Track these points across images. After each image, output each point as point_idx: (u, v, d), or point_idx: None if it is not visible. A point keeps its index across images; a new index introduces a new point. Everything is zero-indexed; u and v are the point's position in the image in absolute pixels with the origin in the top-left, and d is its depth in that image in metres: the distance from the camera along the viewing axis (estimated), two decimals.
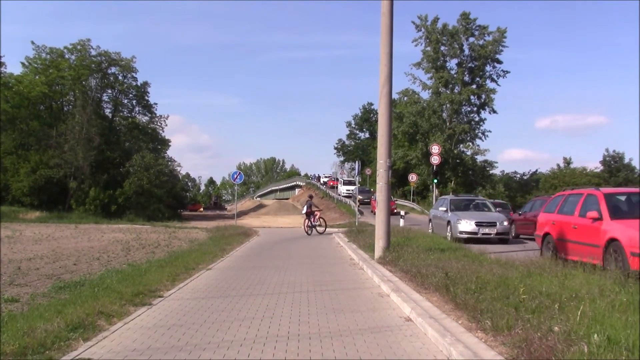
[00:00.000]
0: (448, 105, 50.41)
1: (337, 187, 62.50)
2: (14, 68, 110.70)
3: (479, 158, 52.14)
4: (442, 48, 50.73)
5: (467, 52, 50.65)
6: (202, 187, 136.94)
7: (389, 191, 12.89)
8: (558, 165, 62.18)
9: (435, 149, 45.50)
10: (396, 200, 45.58)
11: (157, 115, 61.49)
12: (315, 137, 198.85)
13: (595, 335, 4.20)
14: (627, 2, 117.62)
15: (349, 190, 52.97)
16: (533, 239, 18.80)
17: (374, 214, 28.66)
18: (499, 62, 50.32)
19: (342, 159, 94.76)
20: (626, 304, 5.37)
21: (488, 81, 50.93)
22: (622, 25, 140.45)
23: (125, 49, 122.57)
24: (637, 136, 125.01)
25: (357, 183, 37.97)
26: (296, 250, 16.96)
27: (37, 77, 52.53)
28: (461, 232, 17.17)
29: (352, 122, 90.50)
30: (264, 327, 6.07)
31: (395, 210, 35.12)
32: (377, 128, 14.02)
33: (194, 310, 7.09)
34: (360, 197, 42.42)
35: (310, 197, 26.28)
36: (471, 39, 50.30)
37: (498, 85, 50.83)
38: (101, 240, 21.77)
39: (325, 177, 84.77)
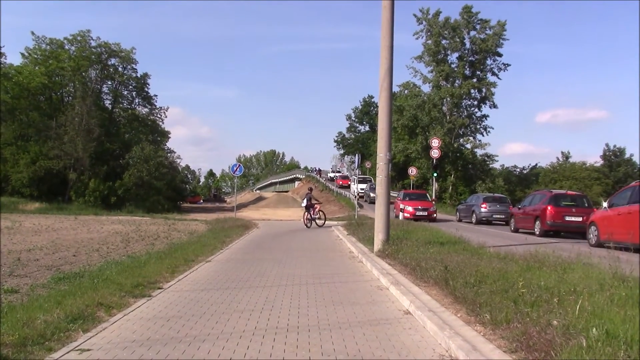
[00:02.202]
0: (448, 99, 50.31)
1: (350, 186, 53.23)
2: (14, 59, 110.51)
3: (479, 152, 52.13)
4: (444, 41, 50.58)
5: (468, 45, 50.52)
6: (202, 180, 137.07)
7: (389, 184, 12.88)
8: (557, 159, 62.33)
9: (435, 142, 45.47)
10: (433, 201, 33.76)
11: (157, 107, 61.61)
12: (315, 130, 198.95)
13: (594, 329, 4.20)
14: None
15: (363, 189, 46.58)
16: (532, 233, 18.91)
17: (401, 217, 26.03)
18: (500, 55, 50.22)
19: (342, 152, 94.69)
20: (625, 299, 5.37)
21: (489, 75, 50.85)
22: (623, 20, 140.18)
23: (125, 41, 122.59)
24: (637, 131, 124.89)
25: (368, 179, 36.83)
26: (295, 243, 16.97)
27: (36, 68, 52.41)
28: None
29: (352, 115, 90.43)
30: (263, 319, 6.08)
31: (435, 215, 28.15)
32: (377, 121, 14.00)
33: (193, 302, 7.10)
34: (372, 195, 39.26)
35: (310, 189, 26.29)
36: (472, 33, 50.17)
37: (499, 79, 50.73)
38: (101, 232, 21.78)
39: (334, 173, 75.96)
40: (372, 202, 36.95)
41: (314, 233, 20.90)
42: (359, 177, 47.77)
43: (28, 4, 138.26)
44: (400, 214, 27.45)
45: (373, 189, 39.59)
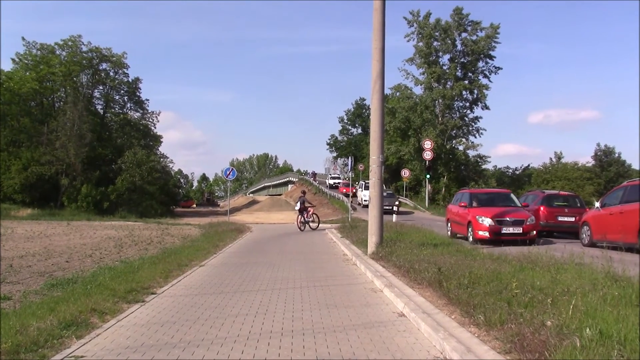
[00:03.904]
0: (440, 101, 50.53)
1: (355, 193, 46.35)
2: (5, 64, 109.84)
3: (472, 153, 52.38)
4: (435, 43, 50.81)
5: (459, 47, 50.77)
6: (195, 184, 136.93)
7: (382, 187, 12.91)
8: (550, 159, 62.60)
9: (427, 144, 45.66)
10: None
11: (149, 111, 61.43)
12: (308, 133, 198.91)
13: (587, 329, 4.21)
14: None
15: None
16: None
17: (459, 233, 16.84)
18: (492, 57, 50.47)
19: (334, 154, 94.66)
20: (618, 298, 5.40)
21: (480, 77, 51.11)
22: (616, 20, 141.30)
23: (117, 45, 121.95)
24: (631, 130, 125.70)
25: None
26: (289, 246, 16.96)
27: (27, 74, 52.22)
28: None
29: (345, 117, 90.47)
30: (257, 324, 6.06)
31: (535, 232, 15.33)
32: (369, 124, 14.02)
33: (187, 307, 7.08)
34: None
35: (303, 193, 26.25)
36: (464, 35, 50.42)
37: (490, 81, 50.98)
38: (93, 237, 21.68)
39: (334, 179, 66.84)
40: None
41: (308, 236, 20.89)
42: (366, 183, 41.55)
43: (18, 8, 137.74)
44: (469, 230, 15.71)
45: (384, 196, 35.61)
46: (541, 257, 8.67)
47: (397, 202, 36.93)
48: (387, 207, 31.90)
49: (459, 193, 19.31)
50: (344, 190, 49.60)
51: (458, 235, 17.01)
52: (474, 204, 16.62)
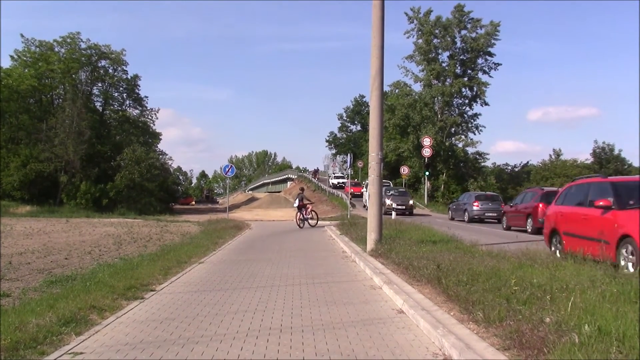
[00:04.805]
0: (440, 98, 50.44)
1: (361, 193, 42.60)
2: (3, 61, 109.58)
3: (471, 150, 52.35)
4: (435, 40, 50.70)
5: (459, 44, 50.67)
6: (194, 181, 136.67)
7: (381, 184, 12.92)
8: (550, 156, 62.62)
9: (426, 141, 45.68)
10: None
11: (148, 108, 61.37)
12: (307, 130, 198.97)
13: (586, 326, 4.22)
14: None
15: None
16: (524, 231, 18.98)
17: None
18: (491, 55, 50.38)
19: (334, 151, 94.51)
20: (616, 295, 5.41)
21: (480, 74, 51.02)
22: (615, 18, 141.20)
23: (116, 42, 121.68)
24: (630, 127, 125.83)
25: (385, 184, 29.84)
26: (288, 243, 16.96)
27: (26, 71, 52.16)
28: None
29: (344, 114, 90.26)
30: (256, 320, 6.07)
31: None
32: (368, 121, 14.02)
33: (186, 304, 7.08)
34: (388, 202, 30.79)
35: (302, 189, 26.23)
36: (463, 32, 50.31)
37: (490, 77, 50.89)
38: (93, 234, 21.67)
39: (338, 178, 60.65)
40: (388, 212, 28.00)
41: (307, 233, 20.89)
42: None
43: (16, 5, 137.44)
44: (621, 251, 8.39)
45: (394, 195, 32.87)
46: (540, 254, 8.68)
47: (410, 202, 33.48)
48: (400, 207, 31.06)
49: (578, 184, 11.32)
50: (352, 190, 39.65)
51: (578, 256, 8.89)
52: (630, 202, 8.97)
